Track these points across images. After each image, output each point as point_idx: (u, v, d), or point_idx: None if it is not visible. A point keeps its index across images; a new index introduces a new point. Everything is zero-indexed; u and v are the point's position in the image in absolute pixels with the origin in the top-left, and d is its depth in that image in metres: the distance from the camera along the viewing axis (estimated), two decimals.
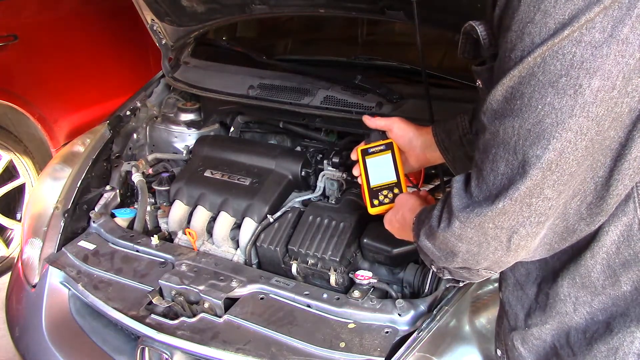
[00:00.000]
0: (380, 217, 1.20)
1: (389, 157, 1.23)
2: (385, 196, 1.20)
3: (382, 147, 1.25)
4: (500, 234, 0.82)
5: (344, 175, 1.85)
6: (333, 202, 1.85)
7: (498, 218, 0.81)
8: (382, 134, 1.28)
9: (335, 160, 1.89)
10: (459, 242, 0.86)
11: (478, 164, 0.83)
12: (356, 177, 1.30)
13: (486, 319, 1.35)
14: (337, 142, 2.01)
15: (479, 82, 0.92)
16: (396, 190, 1.20)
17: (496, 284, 1.15)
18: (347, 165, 1.87)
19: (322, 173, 1.90)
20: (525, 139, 0.77)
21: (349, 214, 1.70)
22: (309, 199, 1.89)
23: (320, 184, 1.90)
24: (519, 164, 0.78)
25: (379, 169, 1.23)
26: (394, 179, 1.21)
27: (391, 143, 1.25)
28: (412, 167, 1.30)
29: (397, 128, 1.26)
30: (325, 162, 1.90)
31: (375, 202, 1.21)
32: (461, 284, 1.22)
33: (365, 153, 1.25)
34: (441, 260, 0.93)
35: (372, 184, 1.22)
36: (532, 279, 0.96)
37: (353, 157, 1.31)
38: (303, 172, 1.91)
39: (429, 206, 0.99)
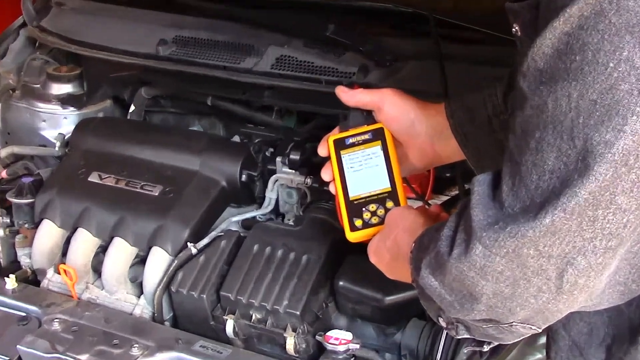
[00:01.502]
0: (364, 246, 1.22)
1: (377, 152, 1.23)
2: (373, 213, 1.21)
3: (367, 136, 1.25)
4: (546, 265, 0.83)
5: (308, 180, 1.86)
6: (291, 222, 1.87)
7: (544, 241, 0.82)
8: (368, 116, 1.29)
9: (294, 157, 1.90)
10: (482, 278, 0.87)
11: (514, 156, 0.84)
12: (327, 184, 1.32)
13: None
14: (297, 129, 2.04)
15: (516, 28, 0.94)
16: (389, 204, 1.20)
17: (544, 352, 1.17)
18: (312, 165, 1.88)
19: (273, 177, 1.92)
20: (589, 115, 0.78)
21: (316, 241, 1.71)
22: (254, 217, 1.91)
23: (270, 195, 1.92)
24: (577, 156, 0.79)
25: (363, 171, 1.23)
26: (386, 185, 1.21)
27: (381, 129, 1.25)
28: (414, 167, 1.32)
29: (391, 106, 1.26)
30: (278, 159, 1.91)
31: (358, 222, 1.21)
32: (487, 348, 1.22)
33: (340, 145, 1.26)
34: (454, 308, 0.94)
35: (353, 194, 1.22)
36: (598, 339, 0.99)
37: (322, 152, 1.31)
38: (244, 176, 1.93)
39: (435, 225, 1.01)
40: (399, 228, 1.14)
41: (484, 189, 0.90)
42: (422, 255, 0.99)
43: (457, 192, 1.76)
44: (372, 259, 1.19)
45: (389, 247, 1.14)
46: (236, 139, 2.10)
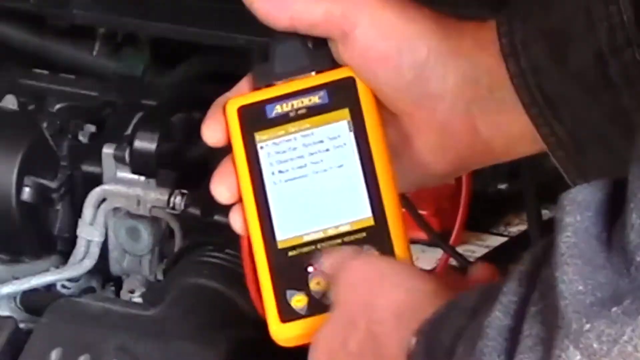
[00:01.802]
0: (304, 353, 1.00)
1: (341, 136, 1.01)
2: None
3: (316, 99, 1.01)
4: None
5: (178, 200, 1.51)
6: (137, 298, 1.58)
7: None
8: (317, 51, 1.01)
9: (146, 144, 1.52)
10: None
11: None
12: (225, 209, 1.05)
13: None
14: (152, 81, 1.69)
15: None
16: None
17: None
18: (187, 165, 1.55)
19: (95, 193, 1.54)
20: None
21: (195, 343, 1.42)
22: (49, 286, 1.59)
23: (88, 234, 1.56)
24: None
25: (308, 180, 1.02)
26: (361, 214, 0.98)
27: (349, 82, 1.01)
28: (426, 173, 1.05)
29: (372, 26, 1.01)
30: (107, 151, 1.54)
31: (296, 300, 0.96)
32: None
33: (255, 120, 1.01)
34: None
35: (284, 234, 0.98)
36: None
37: (212, 134, 1.01)
38: (27, 191, 1.55)
39: (462, 298, 0.81)
40: (377, 306, 0.88)
41: (586, 222, 0.66)
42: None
43: (523, 227, 1.59)
44: None
45: (353, 351, 0.88)
46: (9, 101, 1.65)
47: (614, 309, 0.61)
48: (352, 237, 0.94)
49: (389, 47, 0.97)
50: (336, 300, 0.88)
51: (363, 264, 0.91)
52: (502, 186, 1.54)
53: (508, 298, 0.69)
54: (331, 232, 0.94)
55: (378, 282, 0.89)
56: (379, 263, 0.92)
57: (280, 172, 0.96)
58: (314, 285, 0.92)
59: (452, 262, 1.27)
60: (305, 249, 0.94)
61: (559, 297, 0.64)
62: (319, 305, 0.91)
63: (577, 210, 0.66)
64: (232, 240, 1.30)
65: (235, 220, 0.97)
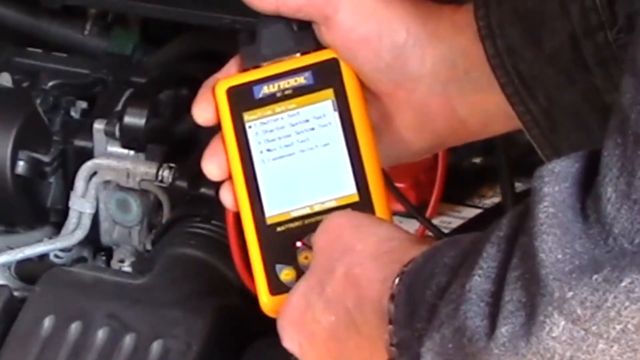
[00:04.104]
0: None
1: (325, 115, 1.03)
2: None
3: (301, 79, 1.05)
4: None
5: (166, 173, 1.53)
6: (126, 267, 1.58)
7: None
8: (302, 33, 1.04)
9: (135, 120, 1.54)
10: None
11: (631, 125, 0.69)
12: (213, 185, 1.23)
13: None
14: (142, 60, 1.71)
15: None
16: None
17: None
18: (175, 141, 1.59)
19: (87, 167, 1.56)
20: None
21: (184, 310, 1.44)
22: (42, 256, 1.61)
23: (80, 206, 1.58)
24: None
25: (294, 158, 1.04)
26: (346, 189, 1.01)
27: (333, 64, 1.04)
28: (405, 149, 1.08)
29: (353, 11, 1.03)
30: (98, 126, 1.56)
31: (285, 273, 0.98)
32: None
33: (243, 100, 1.04)
34: None
35: (272, 210, 1.01)
36: None
37: (202, 113, 1.04)
38: (21, 165, 1.57)
39: (441, 247, 0.83)
40: (355, 251, 0.90)
41: (563, 193, 0.70)
42: (415, 320, 0.78)
43: (497, 199, 1.59)
44: (290, 333, 0.93)
45: (331, 297, 0.90)
46: (3, 78, 1.67)
47: (595, 276, 0.64)
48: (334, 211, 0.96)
49: (369, 31, 0.99)
50: (314, 251, 0.92)
51: (341, 216, 0.95)
52: (477, 160, 1.55)
53: (488, 263, 0.72)
54: (317, 208, 0.96)
55: (356, 230, 0.91)
56: (357, 215, 0.95)
57: (268, 150, 0.99)
58: (302, 259, 0.94)
59: (429, 233, 1.30)
60: (292, 225, 0.97)
61: (540, 266, 0.67)
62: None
63: (555, 181, 0.70)
64: (218, 212, 1.42)
65: (225, 197, 0.99)
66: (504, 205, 1.36)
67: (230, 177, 0.99)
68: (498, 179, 1.42)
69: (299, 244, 0.95)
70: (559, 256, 0.67)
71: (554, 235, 0.68)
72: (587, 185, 0.70)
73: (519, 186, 1.36)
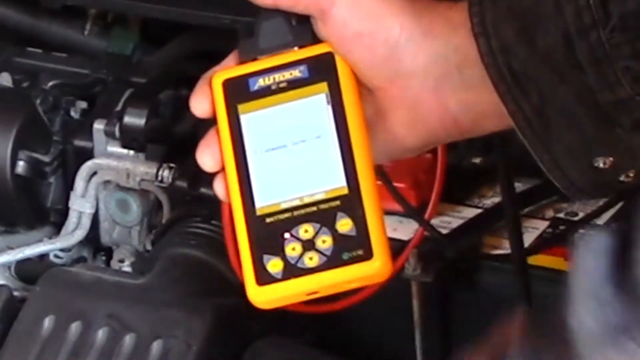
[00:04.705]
0: (287, 322, 1.37)
1: (319, 109, 0.99)
2: (308, 245, 0.96)
3: (297, 73, 1.01)
4: None
5: (166, 173, 1.55)
6: (126, 267, 1.62)
7: None
8: (299, 27, 1.01)
9: (135, 120, 1.56)
10: None
11: None
12: (209, 182, 1.01)
13: None
14: (142, 59, 1.73)
15: None
16: (345, 225, 0.96)
17: None
18: (175, 141, 1.61)
19: (87, 167, 1.59)
20: None
21: (184, 310, 1.45)
22: (42, 256, 1.64)
23: (80, 206, 1.59)
24: None
25: (286, 151, 1.01)
26: (337, 183, 0.97)
27: (328, 58, 1.01)
28: (400, 146, 1.04)
29: (349, 6, 1.00)
30: (98, 127, 1.57)
31: (273, 264, 0.94)
32: None
33: (238, 93, 1.01)
34: None
35: (263, 201, 0.97)
36: None
37: (199, 107, 1.01)
38: (20, 165, 1.60)
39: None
40: None
41: (599, 268, 0.76)
42: None
43: (497, 199, 1.58)
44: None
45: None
46: (3, 78, 1.70)
47: (623, 338, 0.68)
48: (326, 205, 0.93)
49: (364, 26, 0.97)
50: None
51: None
52: (477, 160, 1.55)
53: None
54: (307, 200, 0.94)
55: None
56: None
57: (261, 142, 0.96)
58: (289, 250, 0.91)
59: None
60: (282, 216, 0.93)
61: (570, 332, 0.71)
62: (293, 270, 0.90)
63: (591, 256, 0.75)
64: (217, 212, 1.41)
65: (218, 188, 0.98)
66: (504, 205, 1.39)
67: (223, 168, 0.97)
68: (498, 179, 1.42)
69: (287, 235, 0.92)
70: (590, 323, 0.73)
71: (586, 305, 0.75)
72: (621, 256, 0.75)
73: (518, 186, 1.37)
